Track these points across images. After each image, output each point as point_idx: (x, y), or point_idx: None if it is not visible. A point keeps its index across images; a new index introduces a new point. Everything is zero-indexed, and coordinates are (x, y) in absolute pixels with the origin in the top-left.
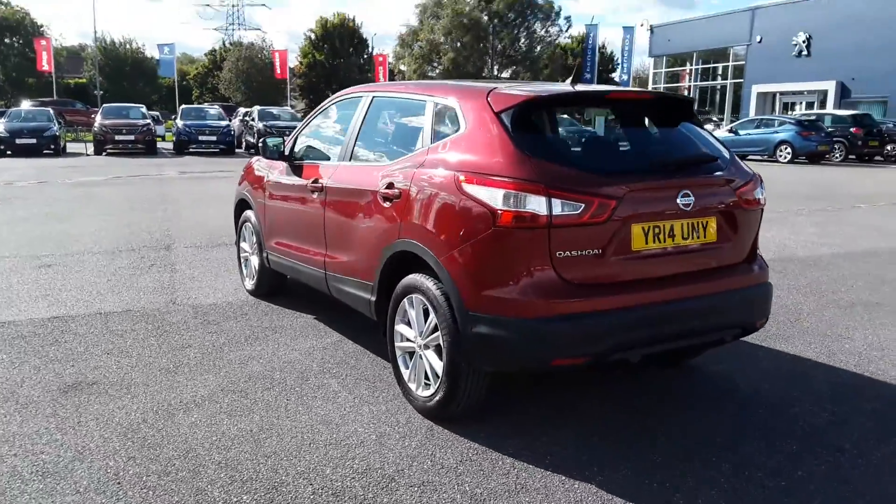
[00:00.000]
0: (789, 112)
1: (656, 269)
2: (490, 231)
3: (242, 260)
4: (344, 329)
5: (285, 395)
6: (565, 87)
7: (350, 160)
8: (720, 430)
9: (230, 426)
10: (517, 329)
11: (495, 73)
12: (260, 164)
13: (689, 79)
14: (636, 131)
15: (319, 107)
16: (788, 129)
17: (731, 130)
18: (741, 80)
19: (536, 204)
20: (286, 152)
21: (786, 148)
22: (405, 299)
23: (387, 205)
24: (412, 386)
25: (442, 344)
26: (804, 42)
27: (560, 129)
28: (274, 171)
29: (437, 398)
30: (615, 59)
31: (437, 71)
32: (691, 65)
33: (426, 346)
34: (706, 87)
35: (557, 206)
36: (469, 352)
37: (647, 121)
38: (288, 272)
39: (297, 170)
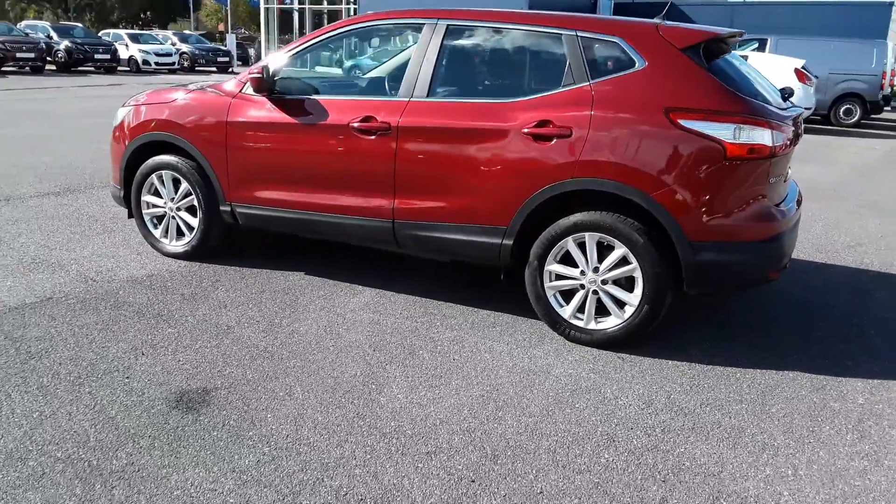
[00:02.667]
0: None
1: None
2: (719, 164)
3: (151, 218)
4: (372, 278)
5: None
6: (694, 26)
7: (429, 96)
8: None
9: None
10: (747, 251)
11: None
12: (202, 98)
13: (296, 1)
14: (743, 69)
15: (322, 34)
16: None
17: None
18: (355, 6)
19: (763, 136)
20: (260, 86)
21: None
22: (569, 238)
23: (541, 143)
24: (580, 322)
25: (640, 276)
26: None
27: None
28: (244, 108)
29: (620, 325)
30: None
31: None
32: None
33: (604, 282)
34: (319, 11)
35: (776, 138)
36: (694, 279)
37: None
38: (281, 227)
39: (303, 107)
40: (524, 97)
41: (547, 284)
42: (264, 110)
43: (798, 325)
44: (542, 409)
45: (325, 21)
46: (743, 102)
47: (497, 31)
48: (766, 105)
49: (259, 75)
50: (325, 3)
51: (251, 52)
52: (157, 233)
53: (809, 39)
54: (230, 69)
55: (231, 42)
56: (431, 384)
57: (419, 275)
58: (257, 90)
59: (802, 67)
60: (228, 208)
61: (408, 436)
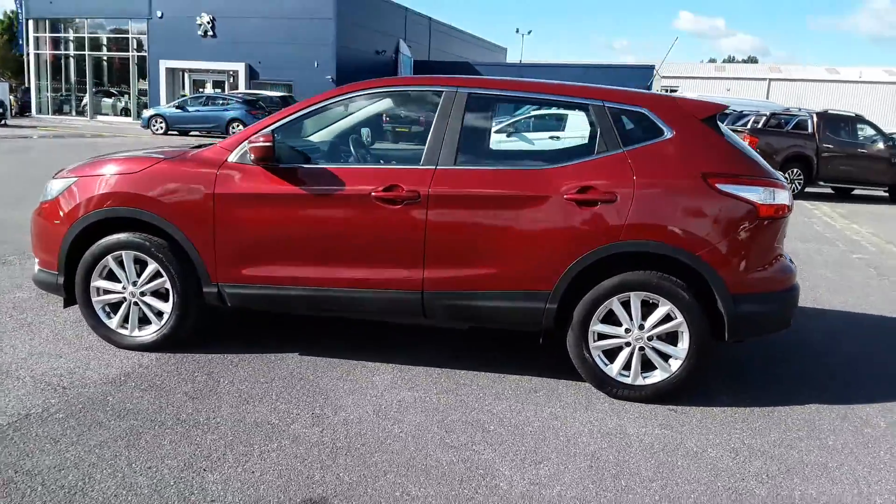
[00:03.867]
0: (200, 90)
1: None
2: (754, 223)
3: (103, 306)
4: (373, 352)
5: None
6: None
7: (455, 164)
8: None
9: None
10: (776, 300)
11: None
12: (176, 168)
13: (72, 47)
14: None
15: (321, 101)
16: (237, 108)
17: (178, 107)
18: (145, 55)
19: (783, 196)
20: (268, 155)
21: (238, 125)
22: (614, 298)
23: (585, 208)
24: (626, 379)
25: (686, 330)
26: (209, 23)
27: None
28: (237, 178)
29: (668, 379)
30: None
31: None
32: (80, 32)
33: (650, 339)
34: (98, 58)
35: (789, 198)
36: (734, 328)
37: None
38: (283, 306)
39: (312, 176)
40: (560, 164)
41: (592, 345)
42: (264, 181)
43: (783, 361)
44: (655, 473)
45: (106, 69)
46: (762, 167)
47: (521, 100)
48: (772, 169)
49: (268, 144)
50: (105, 49)
51: (10, 99)
52: (113, 322)
53: None
54: (2, 121)
55: (3, 91)
56: (532, 460)
57: (423, 344)
58: (262, 159)
59: None
60: (214, 289)
61: None
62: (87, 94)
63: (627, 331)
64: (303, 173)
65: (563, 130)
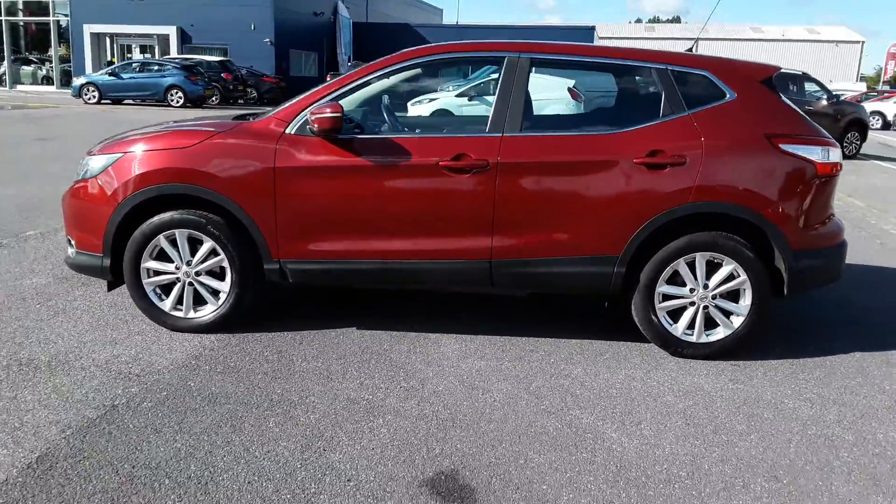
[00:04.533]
0: (127, 55)
1: None
2: (813, 181)
3: (155, 287)
4: (431, 324)
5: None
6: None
7: (522, 131)
8: None
9: None
10: (830, 255)
11: None
12: (232, 142)
13: None
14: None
15: (379, 69)
16: (175, 74)
17: (111, 74)
18: (67, 19)
19: (837, 155)
20: (336, 126)
21: (177, 92)
22: (680, 259)
23: (655, 172)
24: (690, 338)
25: (749, 288)
26: None
27: None
28: (298, 151)
29: (731, 335)
30: None
31: None
32: None
33: (713, 297)
34: (15, 24)
35: (840, 156)
36: (794, 283)
37: None
38: (347, 280)
39: (377, 147)
40: (627, 128)
41: (657, 306)
42: (326, 152)
43: (818, 316)
44: (748, 427)
45: (23, 34)
46: (815, 127)
47: (584, 64)
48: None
49: (337, 115)
50: (21, 14)
51: None
52: (166, 305)
53: None
54: None
55: None
56: (631, 421)
57: (474, 313)
58: (330, 131)
59: (574, 86)
60: (276, 266)
61: (696, 479)
62: (6, 63)
63: (692, 290)
64: (367, 144)
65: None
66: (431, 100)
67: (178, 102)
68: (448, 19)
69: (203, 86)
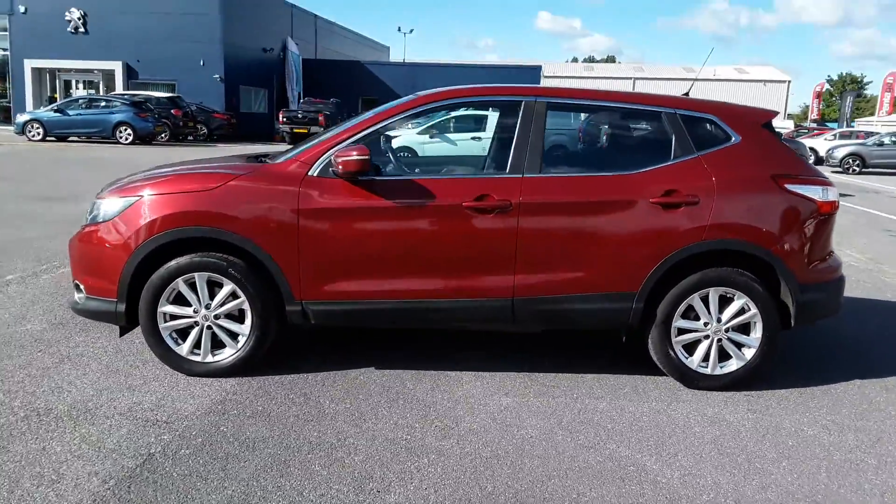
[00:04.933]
0: (72, 91)
1: None
2: (815, 219)
3: (171, 332)
4: (449, 362)
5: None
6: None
7: (541, 172)
8: None
9: None
10: (830, 288)
11: None
12: (252, 183)
13: None
14: None
15: (399, 112)
16: (124, 110)
17: (57, 110)
18: (7, 53)
19: (834, 194)
20: (362, 169)
21: (126, 129)
22: (695, 294)
23: (670, 211)
24: (705, 370)
25: (759, 321)
26: (79, 19)
27: None
28: (322, 193)
29: (744, 367)
30: None
31: None
32: None
33: (726, 331)
34: None
35: (837, 195)
36: (800, 316)
37: None
38: (370, 320)
39: (401, 189)
40: (641, 169)
41: (674, 339)
42: (350, 194)
43: (806, 343)
44: (778, 454)
45: None
46: (812, 167)
47: (597, 108)
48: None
49: (365, 157)
50: None
51: None
52: (183, 349)
53: None
54: None
55: None
56: (668, 453)
57: (483, 351)
58: (356, 173)
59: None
60: (298, 307)
61: None
62: None
63: (706, 324)
64: (389, 185)
65: (483, 131)
66: (391, 137)
67: (126, 139)
68: (394, 57)
69: (153, 122)
